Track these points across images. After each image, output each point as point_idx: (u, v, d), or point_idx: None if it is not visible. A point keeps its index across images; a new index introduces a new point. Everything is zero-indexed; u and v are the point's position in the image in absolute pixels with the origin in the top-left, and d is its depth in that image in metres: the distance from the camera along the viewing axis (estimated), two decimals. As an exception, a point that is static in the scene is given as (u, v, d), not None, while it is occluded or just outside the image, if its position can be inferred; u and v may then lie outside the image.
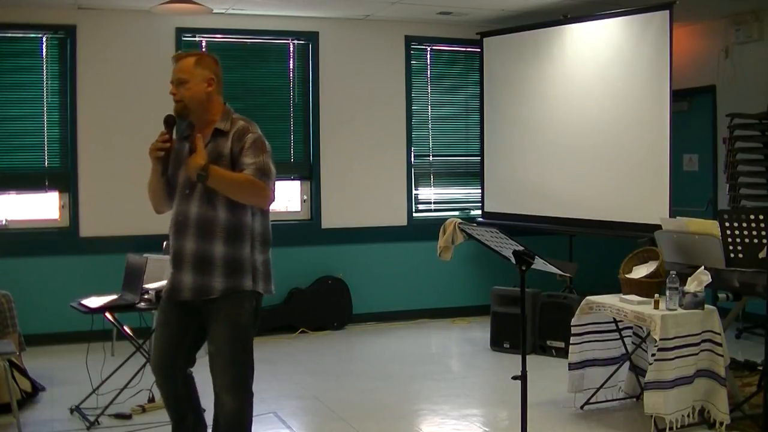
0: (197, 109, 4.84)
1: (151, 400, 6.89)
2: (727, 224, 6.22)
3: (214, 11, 9.16)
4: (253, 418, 4.84)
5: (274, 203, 4.73)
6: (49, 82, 9.45)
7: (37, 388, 7.28)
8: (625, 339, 6.84)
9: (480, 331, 9.70)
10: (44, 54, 9.46)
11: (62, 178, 9.51)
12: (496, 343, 9.01)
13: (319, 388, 7.65)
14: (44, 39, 9.45)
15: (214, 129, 4.79)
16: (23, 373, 7.15)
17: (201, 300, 4.69)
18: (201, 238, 4.65)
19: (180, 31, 9.78)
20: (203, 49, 9.92)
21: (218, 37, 10.04)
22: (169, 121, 4.87)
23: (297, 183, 10.48)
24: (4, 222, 9.34)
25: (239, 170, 4.61)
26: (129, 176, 9.50)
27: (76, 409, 6.77)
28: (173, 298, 4.76)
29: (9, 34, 9.34)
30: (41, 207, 9.55)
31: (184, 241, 4.70)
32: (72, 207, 9.47)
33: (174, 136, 4.85)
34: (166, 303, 4.85)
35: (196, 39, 9.91)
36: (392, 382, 7.87)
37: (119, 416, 6.65)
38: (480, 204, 10.51)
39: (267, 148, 4.71)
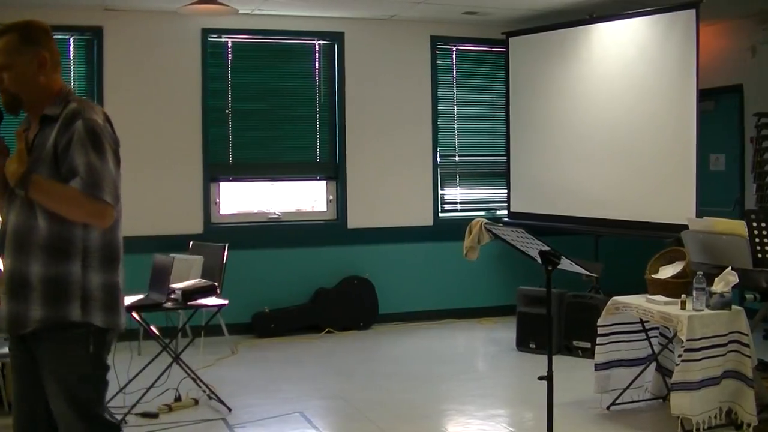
0: (30, 99, 3.81)
1: (178, 399, 6.92)
2: (754, 224, 6.19)
3: (240, 12, 9.18)
4: (280, 417, 4.80)
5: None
6: (76, 83, 9.49)
7: (64, 387, 7.32)
8: (651, 339, 6.82)
9: (506, 331, 9.68)
10: (71, 55, 9.50)
11: (89, 178, 9.52)
12: (522, 344, 8.98)
13: (344, 388, 7.66)
14: (71, 40, 9.50)
15: (41, 116, 3.78)
16: (51, 372, 7.18)
17: (23, 334, 3.71)
18: (17, 254, 3.67)
19: (206, 32, 9.82)
20: (228, 49, 9.96)
21: (244, 38, 10.07)
22: None
23: (323, 183, 10.49)
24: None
25: (65, 173, 3.65)
26: (155, 177, 9.58)
27: (103, 408, 6.80)
28: None
29: (36, 36, 9.37)
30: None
31: (3, 258, 3.75)
32: (99, 207, 9.48)
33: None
34: (10, 341, 3.88)
35: (222, 39, 9.95)
36: (418, 382, 7.87)
37: (146, 415, 6.67)
38: (506, 204, 10.49)
39: (102, 140, 3.74)
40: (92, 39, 9.49)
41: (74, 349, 3.67)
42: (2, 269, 3.76)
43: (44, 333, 3.65)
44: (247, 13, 9.61)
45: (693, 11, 8.23)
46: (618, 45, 8.97)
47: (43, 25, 3.92)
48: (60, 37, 9.43)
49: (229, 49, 10.00)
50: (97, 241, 3.74)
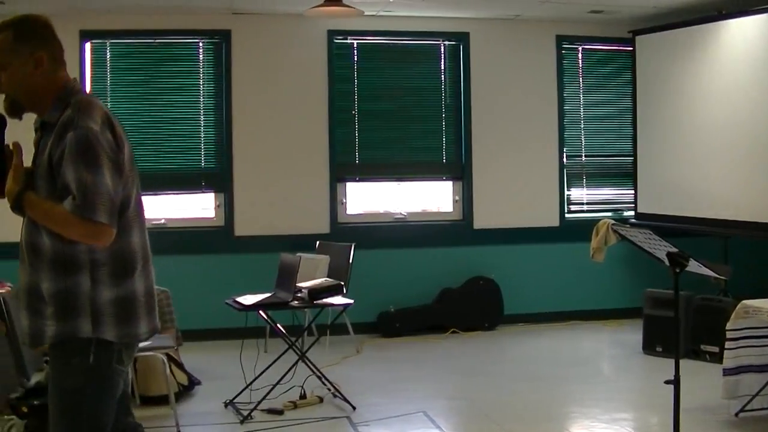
0: (28, 100, 3.56)
1: (303, 396, 7.01)
2: None
3: (365, 13, 9.25)
4: (403, 417, 4.80)
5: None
6: (206, 85, 9.73)
7: (193, 382, 7.49)
8: (783, 345, 6.66)
9: (632, 333, 9.55)
10: (201, 58, 9.74)
11: (218, 178, 9.76)
12: (649, 347, 8.85)
13: (469, 389, 7.67)
14: (200, 44, 9.73)
15: (41, 122, 3.59)
16: (180, 366, 7.37)
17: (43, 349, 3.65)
18: (31, 268, 3.54)
19: (331, 34, 9.94)
20: (354, 50, 10.05)
21: (369, 39, 10.16)
22: None
23: (449, 183, 10.52)
24: (163, 221, 9.61)
25: (60, 190, 3.42)
26: (282, 177, 9.74)
27: (230, 403, 6.95)
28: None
29: (168, 40, 9.65)
30: (198, 207, 9.82)
31: (21, 271, 3.61)
32: (227, 207, 9.71)
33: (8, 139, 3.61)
34: None
35: (348, 41, 10.05)
36: (542, 384, 7.83)
37: (271, 411, 6.78)
38: (633, 205, 10.36)
39: (95, 150, 3.42)
40: (221, 42, 9.70)
41: (72, 361, 3.51)
42: (19, 282, 3.63)
43: (56, 350, 3.55)
44: (372, 15, 9.68)
45: (827, 5, 8.01)
46: (748, 42, 8.75)
47: (42, 19, 3.56)
48: (189, 40, 9.70)
49: (355, 51, 10.10)
50: (105, 254, 3.51)
